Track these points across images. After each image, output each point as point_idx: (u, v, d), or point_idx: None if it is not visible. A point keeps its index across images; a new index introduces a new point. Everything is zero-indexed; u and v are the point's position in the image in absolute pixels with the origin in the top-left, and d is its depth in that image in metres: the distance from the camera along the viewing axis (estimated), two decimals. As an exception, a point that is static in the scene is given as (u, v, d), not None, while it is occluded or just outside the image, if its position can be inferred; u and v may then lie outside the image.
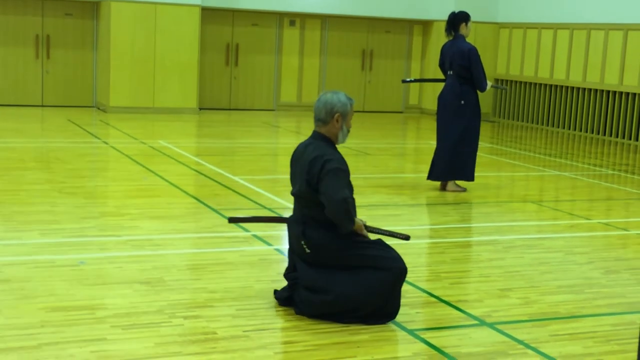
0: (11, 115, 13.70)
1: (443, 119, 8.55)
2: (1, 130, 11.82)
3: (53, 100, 15.22)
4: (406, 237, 4.73)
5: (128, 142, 11.16)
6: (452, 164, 8.44)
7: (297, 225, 4.59)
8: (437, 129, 8.67)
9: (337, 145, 4.63)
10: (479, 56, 8.36)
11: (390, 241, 4.88)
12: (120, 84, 14.55)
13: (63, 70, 15.23)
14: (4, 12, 14.73)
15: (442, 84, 8.84)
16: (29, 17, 14.90)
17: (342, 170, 4.45)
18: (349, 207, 4.41)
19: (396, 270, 4.47)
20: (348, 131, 4.60)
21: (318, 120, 4.58)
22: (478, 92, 8.48)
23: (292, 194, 4.69)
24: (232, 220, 4.96)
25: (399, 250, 4.70)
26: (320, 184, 4.41)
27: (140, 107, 14.70)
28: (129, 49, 14.50)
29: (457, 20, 8.45)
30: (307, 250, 4.54)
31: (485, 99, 12.41)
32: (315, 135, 4.61)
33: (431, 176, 8.55)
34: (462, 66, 8.34)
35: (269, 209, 7.17)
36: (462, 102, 8.38)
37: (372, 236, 4.71)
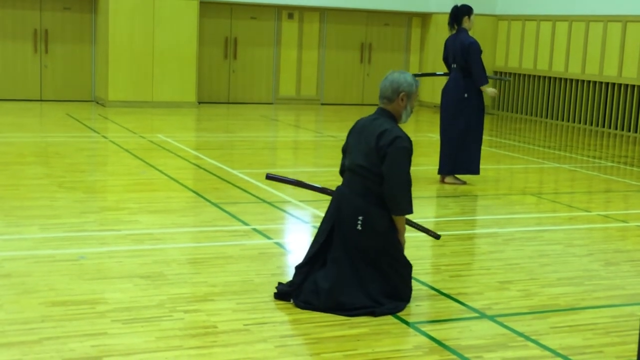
0: (10, 109, 13.68)
1: (446, 113, 8.55)
2: (0, 125, 11.81)
3: (52, 95, 15.21)
4: (437, 236, 5.01)
5: (127, 136, 11.15)
6: (458, 158, 8.44)
7: (357, 198, 4.56)
8: (441, 123, 8.67)
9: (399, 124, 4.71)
10: (479, 51, 8.34)
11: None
12: (118, 78, 14.53)
13: (61, 64, 15.22)
14: (2, 7, 14.70)
15: (441, 78, 8.83)
16: (27, 11, 14.88)
17: (409, 151, 4.56)
18: (410, 189, 4.53)
19: (406, 296, 4.65)
20: (411, 111, 4.73)
21: (384, 98, 4.68)
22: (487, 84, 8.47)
23: (350, 165, 4.67)
24: (270, 177, 4.99)
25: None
26: (386, 158, 4.49)
27: (139, 101, 14.69)
28: (127, 42, 14.48)
29: (460, 13, 8.44)
30: (359, 227, 4.52)
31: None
32: (381, 112, 4.70)
33: (440, 170, 8.57)
34: (464, 60, 8.34)
35: (269, 203, 7.17)
36: (466, 95, 8.39)
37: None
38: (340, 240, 4.55)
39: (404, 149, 4.51)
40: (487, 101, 14.47)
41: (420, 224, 4.98)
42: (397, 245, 4.60)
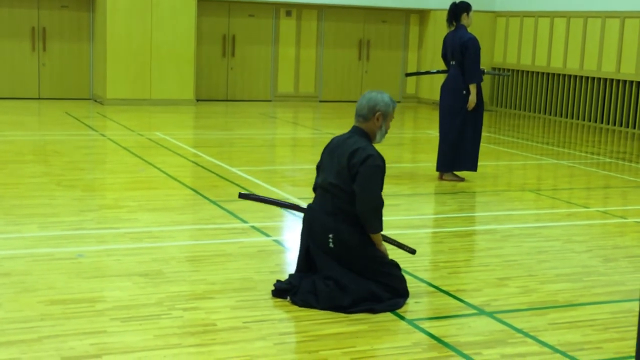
0: (8, 108, 13.68)
1: (445, 110, 8.55)
2: (-2, 124, 11.81)
3: (50, 93, 15.20)
4: (412, 251, 4.91)
5: (125, 134, 11.15)
6: (456, 154, 8.43)
7: (326, 216, 4.56)
8: (440, 120, 8.67)
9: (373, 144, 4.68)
10: (477, 48, 8.32)
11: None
12: (117, 76, 14.52)
13: (59, 62, 15.20)
14: (-1, 5, 14.70)
15: (440, 75, 8.81)
16: (24, 9, 14.86)
17: (382, 170, 4.53)
18: (381, 208, 4.50)
19: (403, 291, 4.62)
20: (386, 131, 4.69)
21: (359, 116, 4.65)
22: (481, 82, 8.42)
23: (321, 183, 4.65)
24: (242, 196, 4.98)
25: (394, 251, 4.75)
26: (357, 177, 4.46)
27: (137, 99, 14.68)
28: (125, 40, 14.47)
29: (459, 10, 8.43)
30: (331, 245, 4.52)
31: (483, 88, 12.31)
32: (355, 130, 4.67)
33: (438, 167, 8.56)
34: (463, 56, 8.33)
35: (267, 200, 7.16)
36: (464, 92, 8.38)
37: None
38: (322, 254, 4.57)
39: (376, 167, 4.49)
40: (485, 97, 14.49)
41: (395, 239, 4.92)
42: (376, 252, 4.59)
